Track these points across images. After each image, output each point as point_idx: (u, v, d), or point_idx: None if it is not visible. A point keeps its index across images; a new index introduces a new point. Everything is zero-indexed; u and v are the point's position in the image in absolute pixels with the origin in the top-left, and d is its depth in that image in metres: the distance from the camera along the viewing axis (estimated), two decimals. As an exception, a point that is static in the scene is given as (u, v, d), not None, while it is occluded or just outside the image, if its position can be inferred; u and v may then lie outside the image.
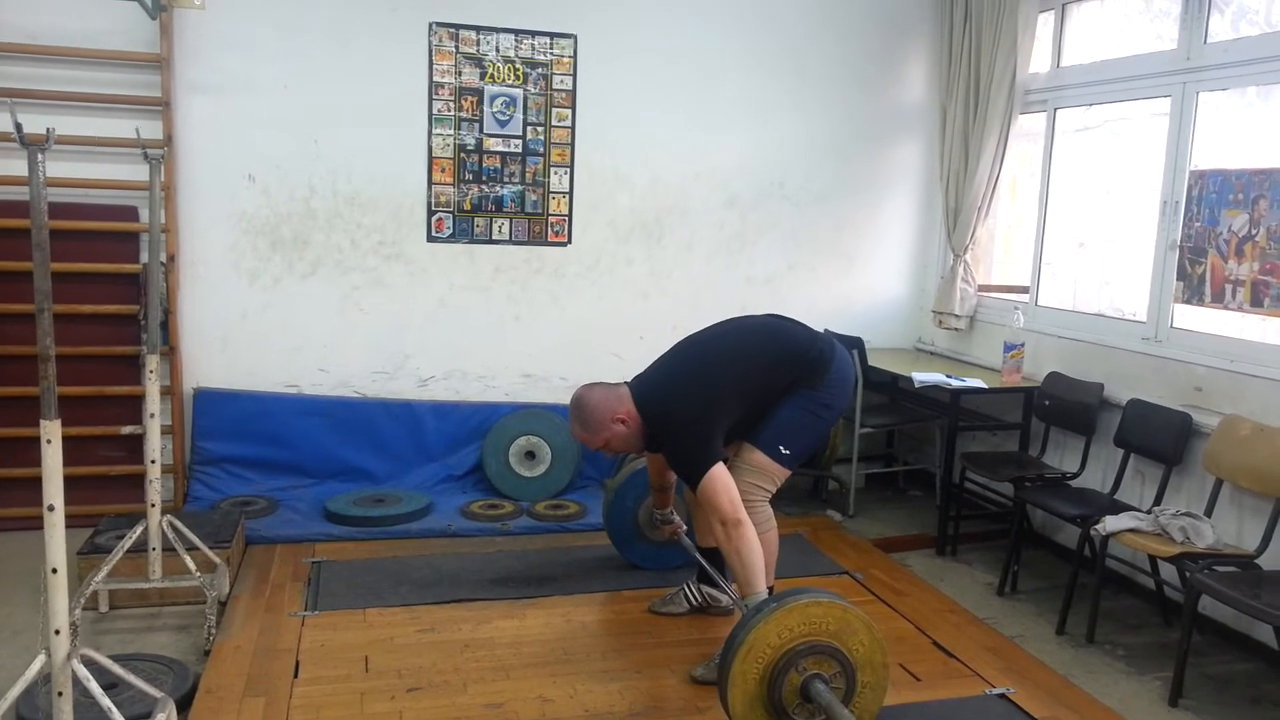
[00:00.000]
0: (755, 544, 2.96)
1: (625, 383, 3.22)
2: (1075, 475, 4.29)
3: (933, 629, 3.61)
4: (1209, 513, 3.62)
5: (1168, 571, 3.74)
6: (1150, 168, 4.20)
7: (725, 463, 3.07)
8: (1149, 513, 3.66)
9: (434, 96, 4.79)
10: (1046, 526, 4.66)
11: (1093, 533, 3.68)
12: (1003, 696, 3.12)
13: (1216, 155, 3.92)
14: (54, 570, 2.25)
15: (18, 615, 3.49)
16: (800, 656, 2.58)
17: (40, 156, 2.16)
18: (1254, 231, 3.64)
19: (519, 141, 4.93)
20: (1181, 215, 3.97)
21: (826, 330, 5.26)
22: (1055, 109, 4.77)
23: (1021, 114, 4.86)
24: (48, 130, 2.22)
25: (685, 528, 3.72)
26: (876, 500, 5.32)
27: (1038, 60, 4.83)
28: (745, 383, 3.15)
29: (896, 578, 4.13)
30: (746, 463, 3.15)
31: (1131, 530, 3.55)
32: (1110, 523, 3.60)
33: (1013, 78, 4.75)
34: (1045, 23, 4.81)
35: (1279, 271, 3.55)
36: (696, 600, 3.66)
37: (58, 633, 2.26)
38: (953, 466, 4.60)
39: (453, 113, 4.82)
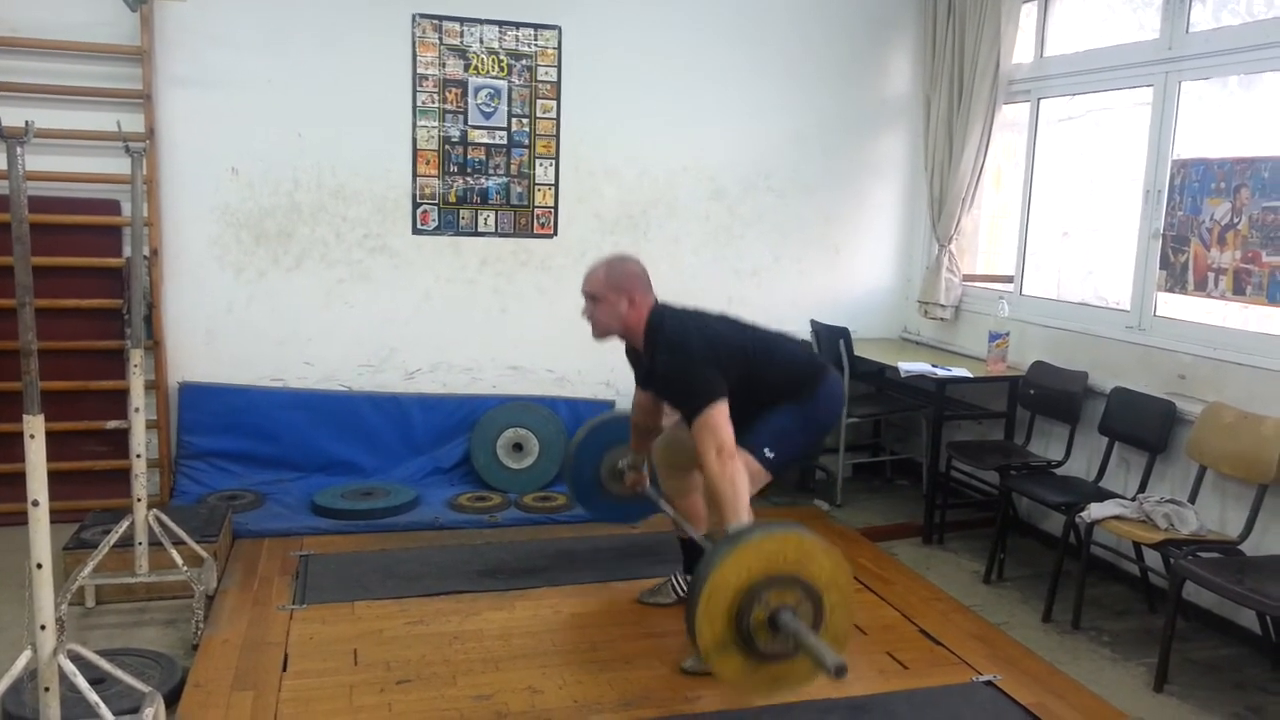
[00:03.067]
0: (744, 476, 2.94)
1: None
2: (1060, 463, 4.31)
3: (920, 617, 3.63)
4: (1193, 499, 3.64)
5: (1152, 558, 3.77)
6: (1133, 157, 4.22)
7: None
8: (1133, 500, 3.68)
9: (418, 89, 4.77)
10: (1032, 514, 4.69)
11: (1078, 520, 3.70)
12: (989, 683, 3.14)
13: (1199, 144, 3.94)
14: (39, 565, 2.24)
15: (3, 611, 3.46)
16: (762, 590, 2.53)
17: (20, 149, 2.15)
18: (1236, 220, 3.67)
19: (504, 133, 4.91)
20: (1164, 204, 4.00)
21: (813, 321, 5.32)
22: (1039, 99, 4.78)
23: (1005, 104, 4.87)
24: (27, 123, 2.21)
25: (649, 479, 3.72)
26: (863, 489, 5.34)
27: (1021, 51, 4.84)
28: (751, 366, 3.17)
29: (883, 566, 4.15)
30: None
31: (1116, 517, 3.57)
32: (1095, 510, 3.62)
33: (996, 68, 4.77)
34: (1028, 13, 4.82)
35: (1261, 259, 3.57)
36: (682, 592, 3.67)
37: (43, 628, 2.26)
38: (939, 455, 4.62)
39: (437, 105, 4.81)
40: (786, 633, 2.54)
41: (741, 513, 2.87)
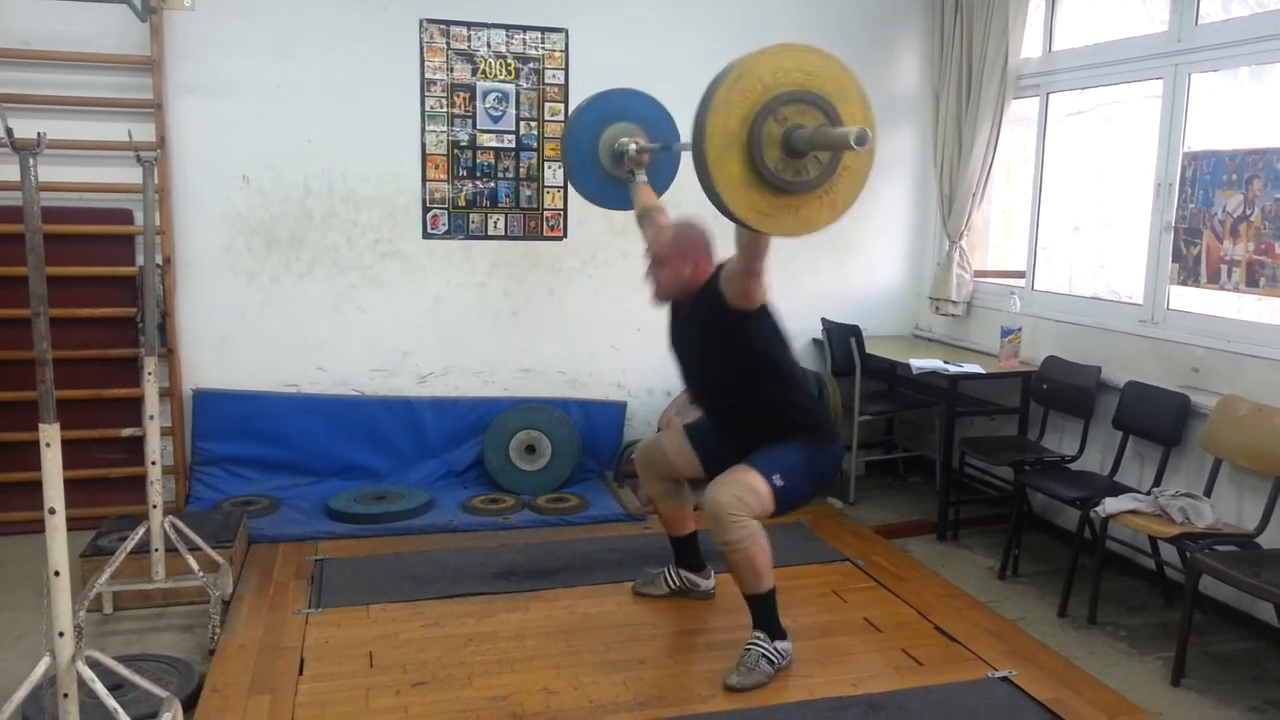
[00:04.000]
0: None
1: None
2: (1074, 458, 4.29)
3: (935, 614, 3.62)
4: (1208, 493, 3.63)
5: (1168, 552, 3.75)
6: (1144, 150, 4.20)
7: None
8: (1148, 494, 3.66)
9: (426, 93, 4.79)
10: (1047, 510, 4.67)
11: (1093, 515, 3.69)
12: (1005, 680, 3.13)
13: (1209, 136, 3.92)
14: (56, 573, 2.26)
15: (22, 619, 3.49)
16: (786, 103, 2.36)
17: (32, 161, 2.17)
18: (1248, 212, 3.65)
19: (512, 137, 4.93)
20: (1176, 197, 3.98)
21: (824, 319, 5.31)
22: (1048, 93, 4.76)
23: (1014, 99, 4.85)
24: (39, 135, 2.23)
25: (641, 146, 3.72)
26: (877, 487, 5.33)
27: (1029, 45, 4.82)
28: (791, 363, 3.23)
29: (898, 564, 4.15)
30: (735, 479, 3.07)
31: (1131, 512, 3.56)
32: (1110, 504, 3.61)
33: (1005, 63, 4.75)
34: (1036, 7, 4.80)
35: (1274, 251, 3.55)
36: (676, 584, 3.72)
37: (62, 635, 2.27)
38: (952, 452, 4.61)
39: (445, 109, 4.82)
40: (801, 147, 2.38)
41: None
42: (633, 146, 3.75)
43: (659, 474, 3.59)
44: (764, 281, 3.00)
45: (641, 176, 3.79)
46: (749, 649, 3.11)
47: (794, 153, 2.40)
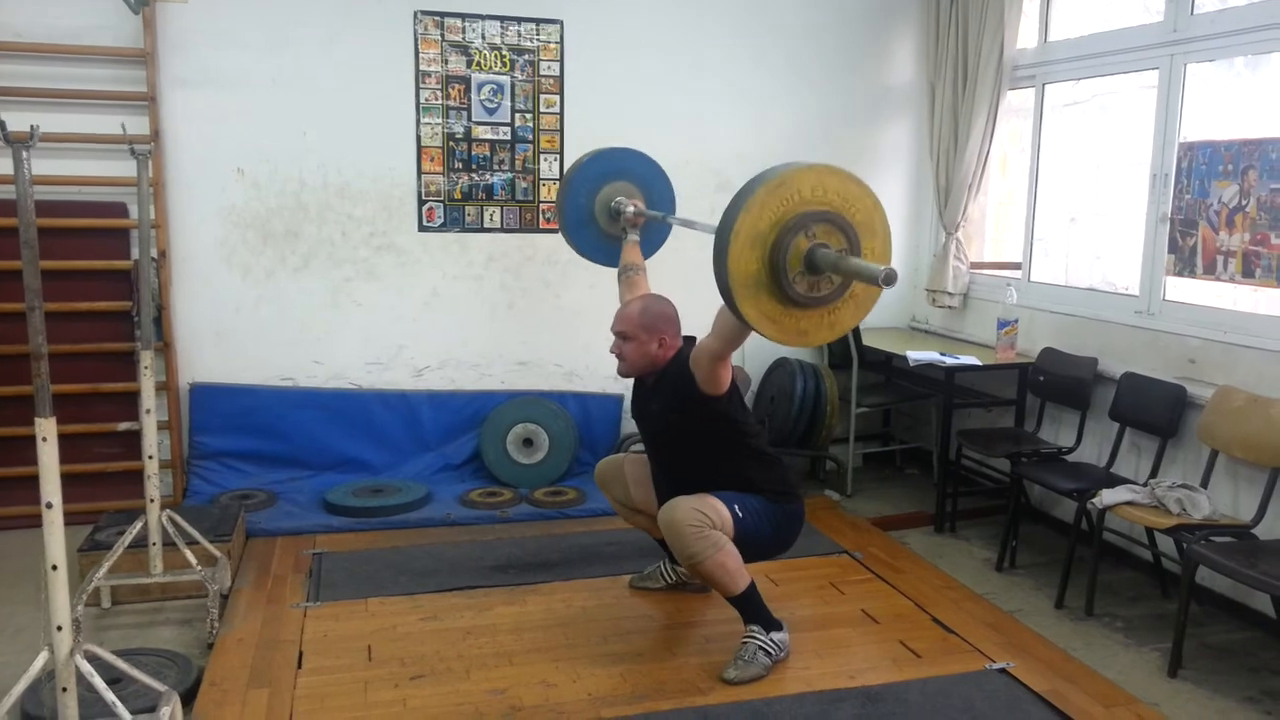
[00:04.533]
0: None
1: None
2: (1071, 450, 4.30)
3: (932, 605, 3.63)
4: (1205, 484, 3.63)
5: (1165, 543, 3.76)
6: (1139, 141, 4.20)
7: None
8: (1145, 485, 3.67)
9: (421, 85, 4.77)
10: (1044, 501, 4.68)
11: (1090, 506, 3.69)
12: (1003, 671, 3.14)
13: (1205, 127, 3.92)
14: (54, 567, 2.26)
15: (20, 613, 3.49)
16: (817, 220, 2.44)
17: (25, 154, 2.16)
18: (1244, 202, 3.65)
19: (508, 129, 4.91)
20: (1171, 188, 3.98)
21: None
22: (1044, 84, 4.76)
23: (1010, 90, 4.85)
24: (32, 127, 2.22)
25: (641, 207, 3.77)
26: (874, 479, 5.34)
27: (1025, 36, 4.82)
28: (752, 431, 3.24)
29: (895, 555, 4.15)
30: (694, 498, 3.05)
31: (1128, 503, 3.57)
32: (1107, 496, 3.61)
33: (1000, 54, 4.75)
34: (1032, -2, 4.81)
35: (1269, 242, 3.56)
36: (672, 579, 3.73)
37: (60, 629, 2.27)
38: (949, 444, 4.62)
39: (440, 101, 4.81)
40: (824, 267, 2.45)
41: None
42: (630, 209, 3.79)
43: (616, 496, 3.63)
44: (730, 365, 3.04)
45: (634, 236, 3.86)
46: (746, 642, 3.11)
47: (814, 269, 2.47)
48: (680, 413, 3.16)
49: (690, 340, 3.20)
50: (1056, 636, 3.48)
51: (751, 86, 5.20)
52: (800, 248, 2.45)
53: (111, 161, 4.31)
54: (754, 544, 3.13)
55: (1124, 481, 3.80)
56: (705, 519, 2.99)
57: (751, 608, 3.15)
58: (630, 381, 3.45)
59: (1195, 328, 3.89)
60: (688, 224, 3.70)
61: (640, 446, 3.66)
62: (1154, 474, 3.88)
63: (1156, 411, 3.89)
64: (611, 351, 3.32)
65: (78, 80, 4.30)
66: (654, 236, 4.09)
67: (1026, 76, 4.82)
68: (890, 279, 2.28)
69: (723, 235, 2.46)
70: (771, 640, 3.12)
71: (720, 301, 2.64)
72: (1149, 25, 4.13)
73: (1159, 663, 3.33)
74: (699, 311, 3.22)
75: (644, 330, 3.22)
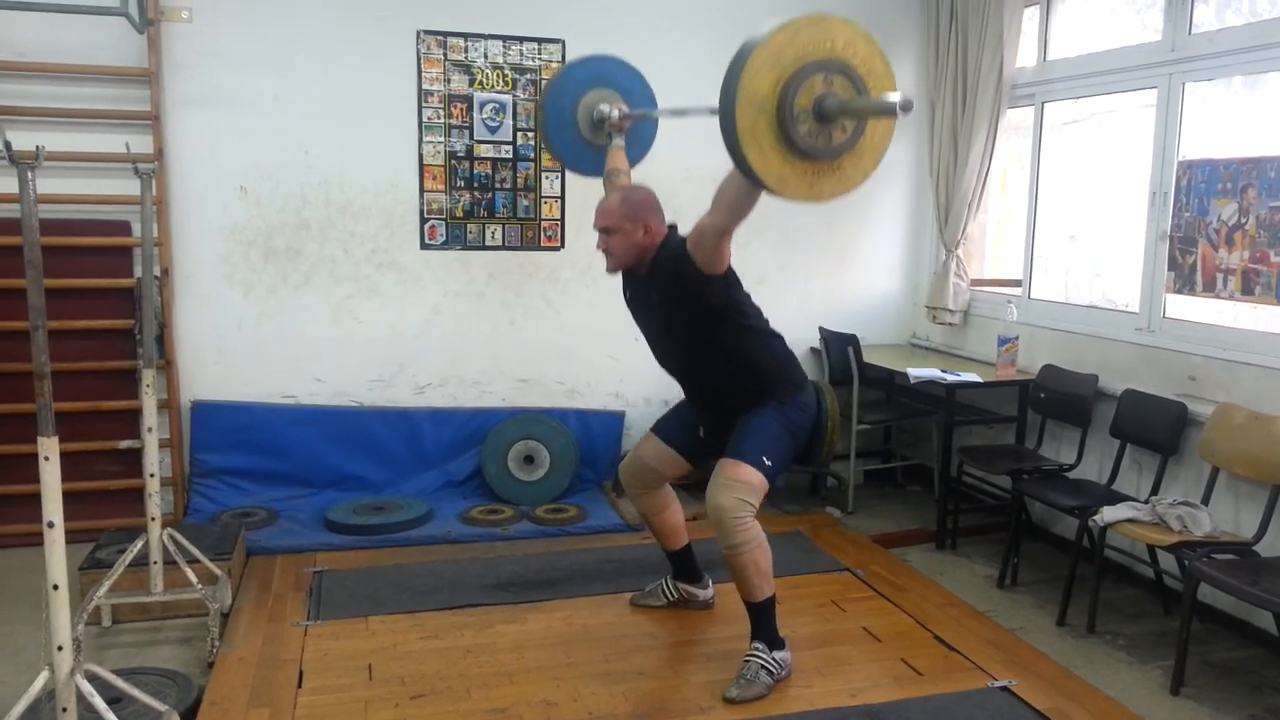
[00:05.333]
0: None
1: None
2: (1072, 467, 4.30)
3: (934, 623, 3.62)
4: (1206, 501, 3.63)
5: (1166, 561, 3.75)
6: (1139, 159, 4.21)
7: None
8: (1146, 502, 3.67)
9: (423, 104, 4.80)
10: (1045, 518, 4.68)
11: (1091, 524, 3.69)
12: (1005, 689, 3.13)
13: (1204, 145, 3.93)
14: (55, 586, 2.26)
15: (20, 632, 3.49)
16: (827, 70, 2.41)
17: (30, 173, 2.17)
18: (1243, 220, 3.66)
19: (509, 147, 4.94)
20: (1171, 205, 3.99)
21: (821, 328, 5.32)
22: (1043, 103, 4.78)
23: (1009, 108, 4.88)
24: (37, 147, 2.23)
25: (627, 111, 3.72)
26: (875, 496, 5.33)
27: (1024, 54, 4.85)
28: (754, 320, 3.22)
29: (897, 573, 4.14)
30: (732, 478, 3.05)
31: (1129, 520, 3.56)
32: (1108, 513, 3.61)
33: (1000, 73, 4.77)
34: (1031, 17, 4.83)
35: (1269, 259, 3.57)
36: (674, 596, 3.71)
37: (60, 649, 2.27)
38: (950, 461, 4.61)
39: (443, 120, 4.83)
40: (833, 115, 2.42)
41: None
42: (616, 113, 3.74)
43: (645, 485, 3.58)
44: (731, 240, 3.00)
45: (619, 141, 3.78)
46: (748, 660, 3.10)
47: (824, 118, 2.43)
48: (683, 297, 3.11)
49: (673, 228, 3.20)
50: (1058, 654, 3.46)
51: (752, 105, 5.21)
52: (815, 88, 2.41)
53: (115, 180, 4.32)
54: (784, 469, 3.21)
55: (1125, 499, 3.80)
56: (748, 506, 3.03)
57: (763, 621, 3.15)
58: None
59: (1195, 345, 3.89)
60: (679, 113, 3.61)
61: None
62: (1155, 491, 3.88)
63: (1157, 428, 3.90)
64: (598, 248, 3.26)
65: (82, 100, 4.33)
66: (639, 142, 3.93)
67: (1026, 95, 4.85)
68: (907, 105, 2.24)
69: (729, 89, 2.44)
70: (774, 659, 3.12)
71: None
72: (1147, 45, 4.16)
73: (1161, 680, 3.32)
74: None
75: (627, 220, 3.16)
